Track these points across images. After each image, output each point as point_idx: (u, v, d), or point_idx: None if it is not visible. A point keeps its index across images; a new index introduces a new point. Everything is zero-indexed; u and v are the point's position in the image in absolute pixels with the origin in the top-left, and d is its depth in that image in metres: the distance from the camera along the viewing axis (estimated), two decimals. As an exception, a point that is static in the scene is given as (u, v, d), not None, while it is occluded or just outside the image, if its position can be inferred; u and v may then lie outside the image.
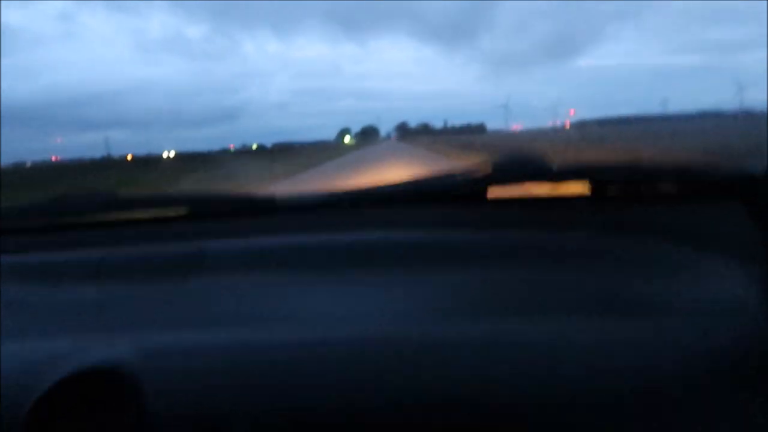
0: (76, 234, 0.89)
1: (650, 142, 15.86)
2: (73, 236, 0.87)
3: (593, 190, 0.73)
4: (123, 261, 0.76)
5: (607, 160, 0.76)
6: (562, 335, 0.48)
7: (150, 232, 0.86)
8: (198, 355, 0.47)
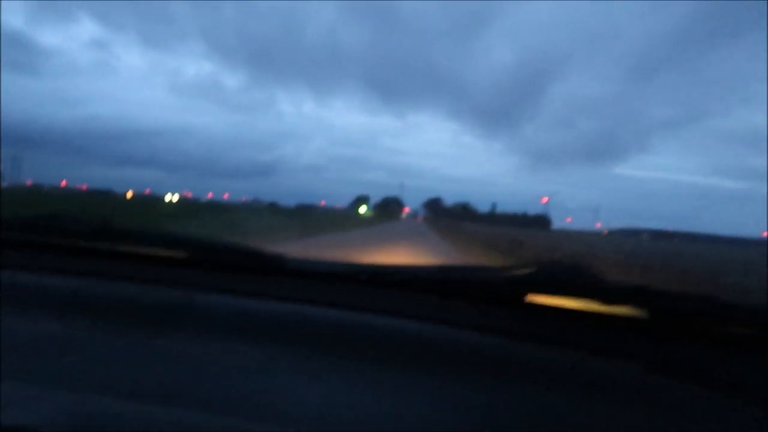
0: (57, 257, 0.85)
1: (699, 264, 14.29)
2: (52, 259, 0.84)
3: (651, 316, 0.69)
4: (97, 298, 0.72)
5: (674, 286, 0.71)
6: None
7: (139, 270, 0.82)
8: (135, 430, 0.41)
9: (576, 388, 0.57)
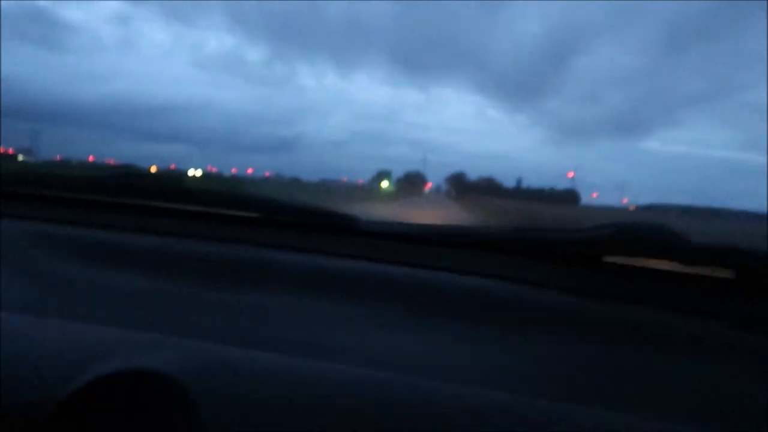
0: (135, 217, 0.89)
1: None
2: (130, 218, 0.88)
3: (738, 277, 0.69)
4: (183, 255, 0.76)
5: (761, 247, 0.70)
6: None
7: (216, 230, 0.85)
8: (253, 379, 0.43)
9: (657, 347, 0.57)
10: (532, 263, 0.76)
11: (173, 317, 0.57)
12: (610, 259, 0.74)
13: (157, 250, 0.77)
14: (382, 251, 0.79)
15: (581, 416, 0.41)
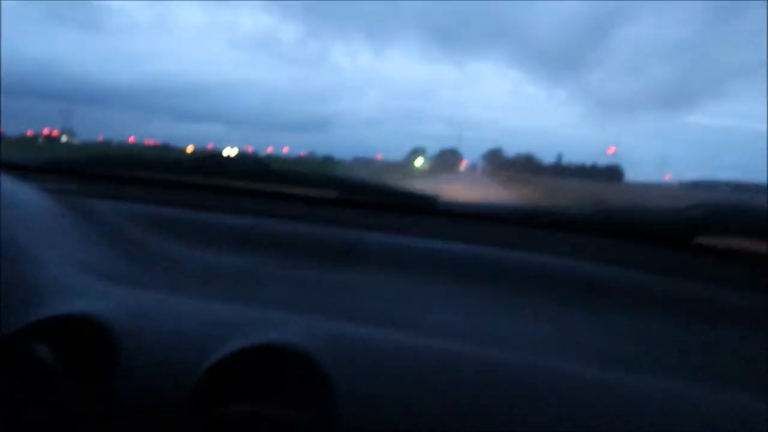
0: (225, 197, 0.91)
1: None
2: (221, 199, 0.90)
3: None
4: (275, 235, 0.77)
5: None
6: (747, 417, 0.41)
7: (301, 210, 0.86)
8: (373, 352, 0.45)
9: (749, 328, 0.57)
10: (616, 243, 0.75)
11: (279, 295, 0.60)
12: (699, 240, 0.73)
13: (250, 230, 0.79)
14: (463, 231, 0.80)
15: (669, 392, 0.41)
